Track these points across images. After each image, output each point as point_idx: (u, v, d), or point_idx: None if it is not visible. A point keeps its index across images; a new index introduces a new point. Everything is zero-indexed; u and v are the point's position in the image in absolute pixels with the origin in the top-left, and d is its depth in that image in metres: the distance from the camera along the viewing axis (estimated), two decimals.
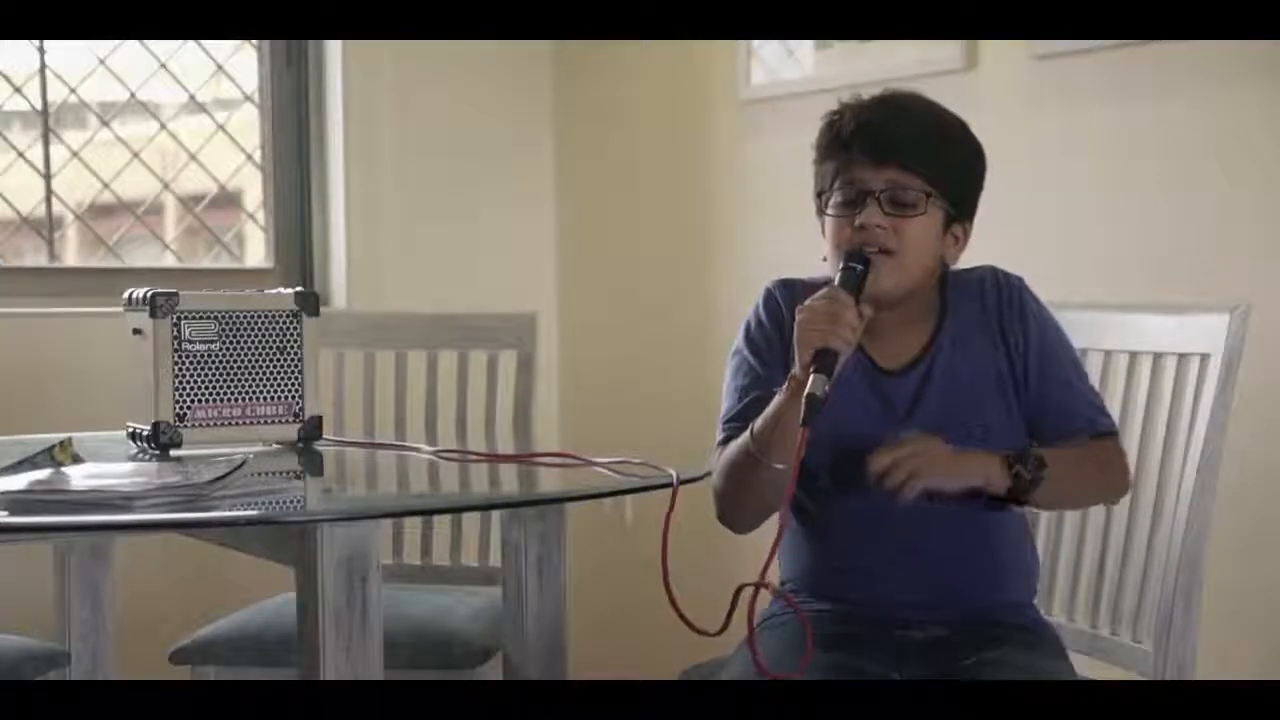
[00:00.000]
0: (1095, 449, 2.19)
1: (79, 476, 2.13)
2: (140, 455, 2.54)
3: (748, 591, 2.02)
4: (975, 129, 2.24)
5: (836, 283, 2.10)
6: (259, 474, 2.25)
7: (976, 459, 2.09)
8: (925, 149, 2.15)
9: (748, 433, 2.12)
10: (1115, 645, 2.36)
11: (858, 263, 2.10)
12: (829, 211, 2.18)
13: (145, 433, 2.55)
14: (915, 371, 2.19)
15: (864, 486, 2.11)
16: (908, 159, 2.13)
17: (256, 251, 4.04)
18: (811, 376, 2.01)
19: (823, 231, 2.22)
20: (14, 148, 3.76)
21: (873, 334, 2.16)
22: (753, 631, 2.02)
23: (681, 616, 2.04)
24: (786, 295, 2.22)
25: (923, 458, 2.04)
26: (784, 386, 2.08)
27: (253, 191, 4.03)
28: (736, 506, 2.18)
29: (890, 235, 2.12)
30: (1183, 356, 2.31)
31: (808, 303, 2.08)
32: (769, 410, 2.10)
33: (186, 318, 2.55)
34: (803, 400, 2.00)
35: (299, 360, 2.62)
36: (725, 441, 2.19)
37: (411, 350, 3.23)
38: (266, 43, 3.96)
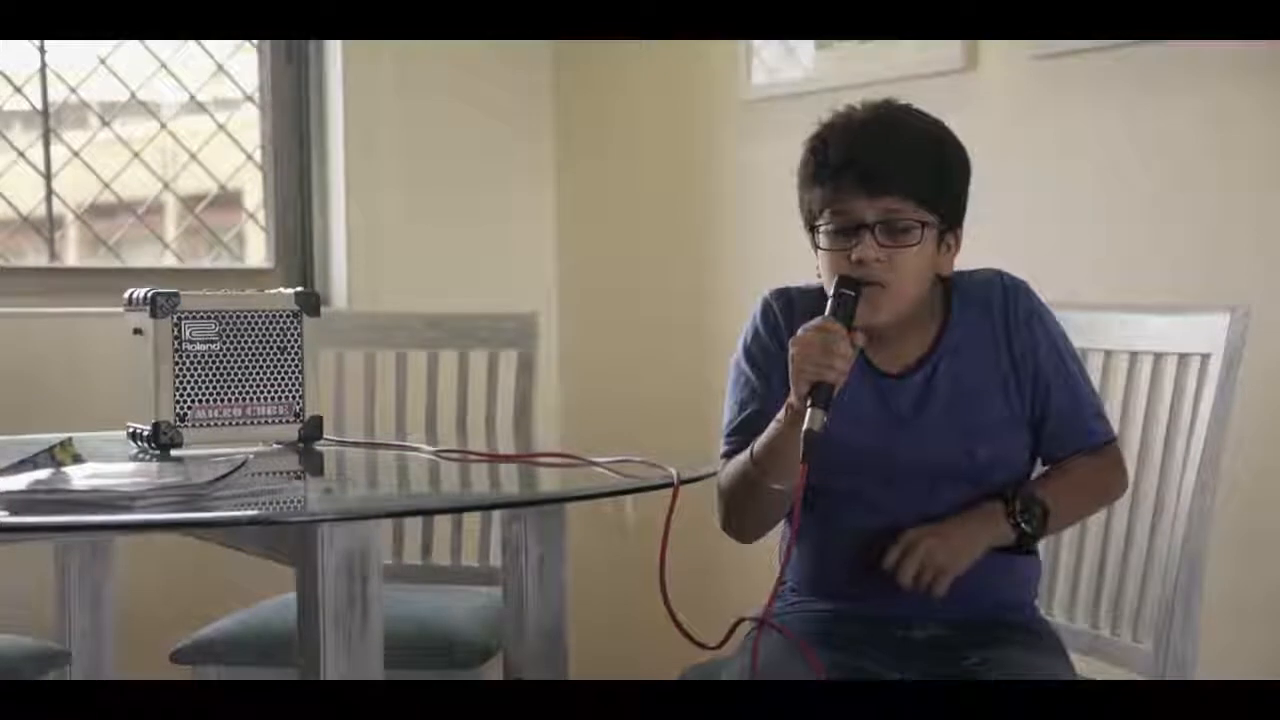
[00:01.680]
0: (1095, 461, 2.20)
1: (79, 476, 2.13)
2: (141, 455, 2.54)
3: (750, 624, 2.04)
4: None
5: (828, 311, 2.07)
6: (259, 474, 2.25)
7: (982, 526, 2.11)
8: (918, 174, 2.10)
9: (748, 453, 2.12)
10: (1115, 645, 2.35)
11: (850, 289, 2.07)
12: (821, 244, 2.14)
13: (146, 433, 2.55)
14: (918, 375, 2.18)
15: (865, 489, 2.12)
16: (901, 188, 2.08)
17: (257, 251, 4.04)
18: (809, 412, 2.01)
19: (812, 246, 2.20)
20: (14, 147, 3.76)
21: (873, 343, 2.16)
22: (757, 647, 2.03)
23: (679, 626, 2.04)
24: (783, 305, 2.22)
25: (938, 552, 2.06)
26: (782, 410, 2.07)
27: (253, 191, 4.03)
28: (740, 521, 2.20)
29: (886, 268, 2.08)
30: (1183, 356, 2.31)
31: (800, 334, 2.05)
32: (767, 436, 2.10)
33: (187, 318, 2.55)
34: (801, 436, 2.00)
35: (299, 360, 2.62)
36: (728, 454, 2.20)
37: (412, 350, 3.23)
38: (266, 42, 3.96)
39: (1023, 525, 2.10)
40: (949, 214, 2.14)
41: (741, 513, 2.17)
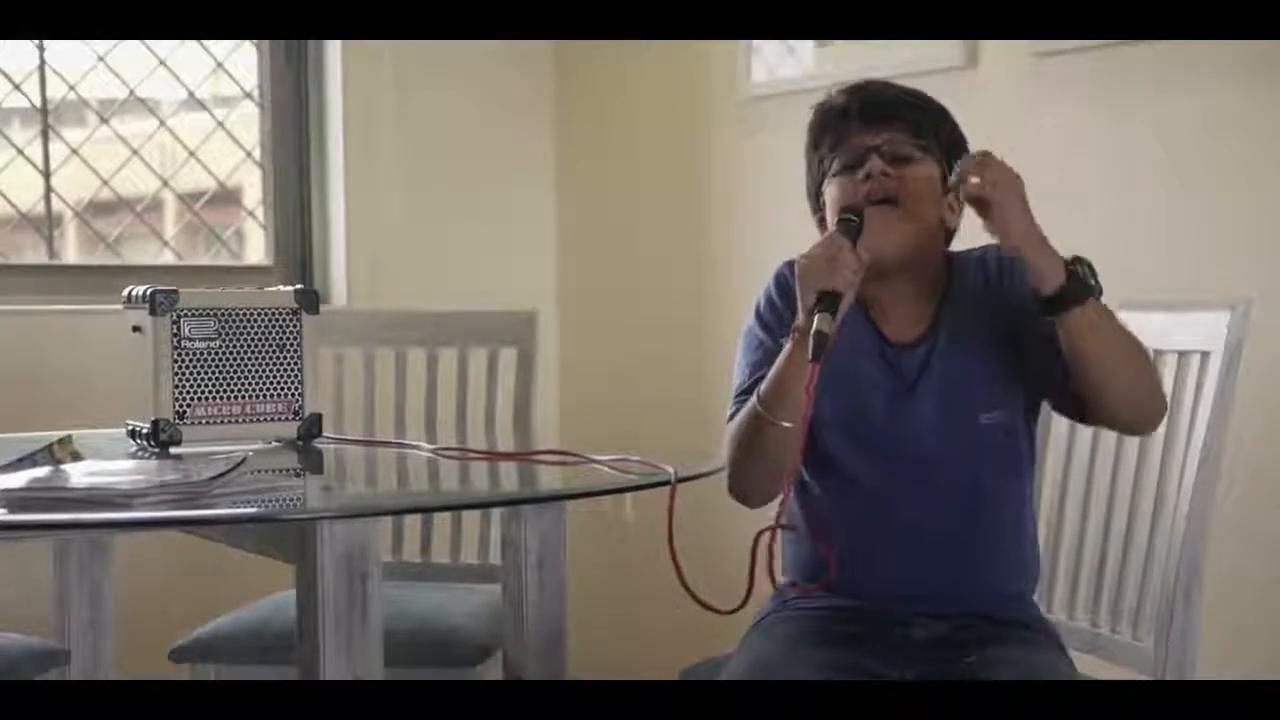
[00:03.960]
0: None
1: (79, 474, 2.13)
2: (140, 453, 2.54)
3: (763, 541, 2.06)
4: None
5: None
6: (258, 472, 2.24)
7: (1046, 242, 2.08)
8: (916, 112, 2.24)
9: (755, 396, 2.13)
10: (1115, 643, 2.35)
11: (853, 214, 2.14)
12: (832, 173, 2.22)
13: (145, 430, 2.55)
14: (923, 344, 2.21)
15: (868, 465, 2.16)
16: (902, 120, 2.21)
17: (256, 249, 4.04)
18: (817, 316, 2.04)
19: (819, 226, 2.24)
20: (13, 145, 3.76)
21: (881, 309, 2.21)
22: (772, 554, 2.05)
23: (690, 592, 2.05)
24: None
25: (1012, 179, 2.06)
26: (788, 342, 2.10)
27: (252, 189, 4.03)
28: (747, 473, 2.18)
29: (894, 183, 2.17)
30: (1183, 354, 2.31)
31: (805, 252, 2.11)
32: (774, 369, 2.12)
33: (186, 315, 2.55)
34: (810, 337, 2.02)
35: (299, 358, 2.62)
36: (735, 415, 2.21)
37: (411, 348, 3.22)
38: (266, 41, 3.95)
39: (1077, 269, 2.08)
40: (948, 159, 2.20)
41: (748, 464, 2.16)
